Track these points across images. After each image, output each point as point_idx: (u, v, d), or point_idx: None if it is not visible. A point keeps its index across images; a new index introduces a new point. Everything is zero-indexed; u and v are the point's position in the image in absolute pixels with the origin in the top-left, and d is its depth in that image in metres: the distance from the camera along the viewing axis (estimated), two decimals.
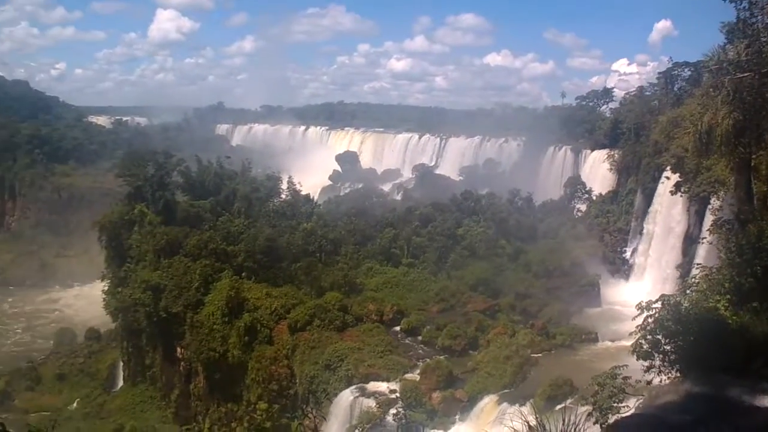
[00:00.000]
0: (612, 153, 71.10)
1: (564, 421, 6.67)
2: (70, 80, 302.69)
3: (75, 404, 60.60)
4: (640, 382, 13.37)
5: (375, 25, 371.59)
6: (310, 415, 37.36)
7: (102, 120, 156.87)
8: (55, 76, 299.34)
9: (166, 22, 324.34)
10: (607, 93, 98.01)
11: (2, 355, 72.16)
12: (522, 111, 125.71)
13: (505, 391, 32.68)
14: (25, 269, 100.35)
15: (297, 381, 39.85)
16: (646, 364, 12.09)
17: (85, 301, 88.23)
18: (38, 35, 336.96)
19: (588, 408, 14.76)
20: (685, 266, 48.62)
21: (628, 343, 13.60)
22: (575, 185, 70.16)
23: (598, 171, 72.86)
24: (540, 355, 37.33)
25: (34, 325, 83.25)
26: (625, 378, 15.18)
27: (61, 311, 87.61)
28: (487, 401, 32.29)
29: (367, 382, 34.90)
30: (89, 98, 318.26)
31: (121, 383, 60.29)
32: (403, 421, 31.81)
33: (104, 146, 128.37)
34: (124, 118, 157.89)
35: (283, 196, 65.25)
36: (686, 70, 67.40)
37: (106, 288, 59.30)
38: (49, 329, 79.53)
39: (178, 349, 50.70)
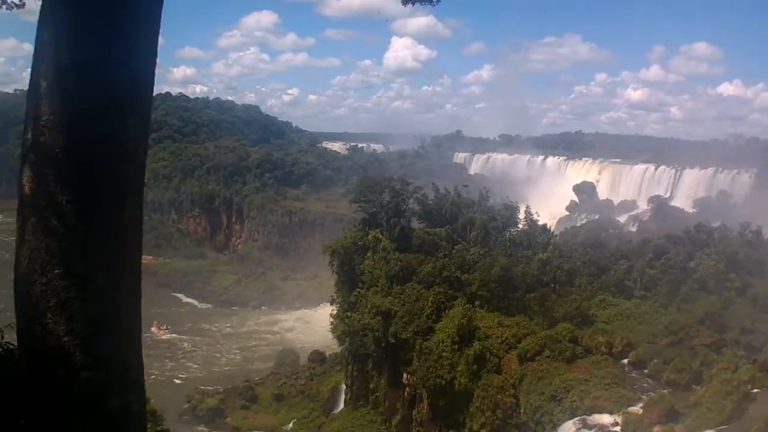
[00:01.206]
0: None
1: None
2: (304, 106, 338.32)
3: (291, 424, 69.89)
4: None
5: (611, 55, 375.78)
6: None
7: (337, 146, 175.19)
8: (288, 101, 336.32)
9: (402, 50, 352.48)
10: None
11: (217, 374, 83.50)
12: (754, 142, 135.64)
13: (722, 427, 35.47)
14: (250, 290, 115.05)
15: (521, 411, 44.82)
16: None
17: (306, 323, 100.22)
18: (268, 61, 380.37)
19: None
20: None
21: None
22: None
23: None
24: (760, 390, 38.92)
25: (250, 345, 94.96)
26: None
27: (280, 333, 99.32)
28: None
29: (591, 414, 39.27)
30: (323, 124, 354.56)
31: (341, 406, 68.51)
32: None
33: (339, 172, 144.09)
34: (360, 145, 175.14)
35: (520, 225, 71.22)
36: None
37: (334, 312, 66.89)
38: (264, 350, 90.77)
39: (405, 375, 57.52)
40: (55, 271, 4.67)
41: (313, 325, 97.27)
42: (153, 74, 5.22)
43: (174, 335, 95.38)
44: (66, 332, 4.73)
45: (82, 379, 4.79)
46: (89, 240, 4.73)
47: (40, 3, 4.92)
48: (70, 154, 4.68)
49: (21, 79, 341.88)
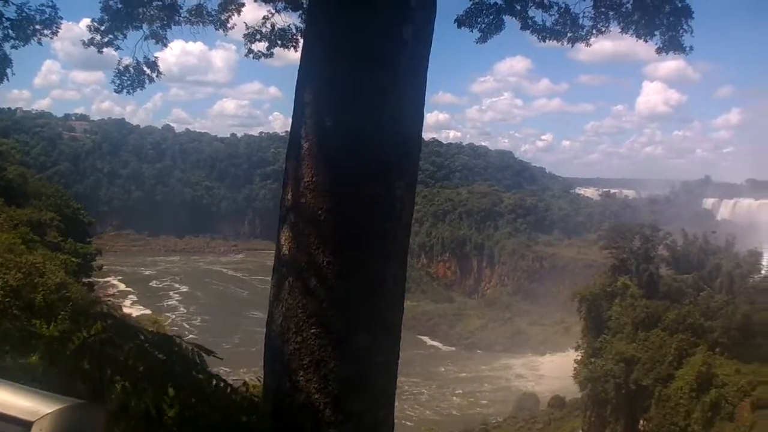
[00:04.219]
0: None
1: None
2: (557, 151, 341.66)
3: None
4: None
5: None
6: None
7: (589, 192, 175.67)
8: (541, 147, 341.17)
9: (654, 95, 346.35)
10: None
11: (447, 417, 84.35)
12: None
13: None
14: (495, 335, 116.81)
15: None
16: None
17: (534, 369, 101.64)
18: (522, 106, 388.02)
19: None
20: None
21: None
22: None
23: None
24: None
25: (480, 389, 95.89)
26: None
27: (510, 378, 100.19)
28: None
29: None
30: (576, 169, 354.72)
31: None
32: None
33: (590, 218, 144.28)
34: (612, 190, 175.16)
35: (763, 271, 69.28)
36: None
37: (578, 358, 68.53)
38: (495, 395, 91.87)
39: (641, 422, 58.63)
40: (312, 331, 4.77)
41: (544, 371, 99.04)
42: (420, 134, 5.32)
43: (402, 378, 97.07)
44: (318, 390, 4.85)
45: None
46: (349, 301, 4.81)
47: (299, 55, 5.26)
48: (332, 216, 4.77)
49: (266, 122, 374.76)
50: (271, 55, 14.88)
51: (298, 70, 5.19)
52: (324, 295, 4.80)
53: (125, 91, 14.25)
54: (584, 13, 12.38)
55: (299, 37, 13.90)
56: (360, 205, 4.85)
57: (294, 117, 5.12)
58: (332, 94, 4.89)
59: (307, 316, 4.81)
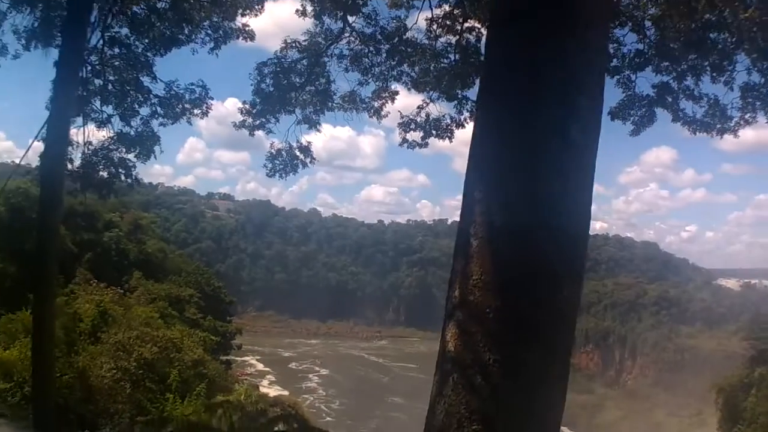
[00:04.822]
0: None
1: None
2: (700, 242, 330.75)
3: None
4: None
5: None
6: None
7: (731, 283, 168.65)
8: (685, 238, 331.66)
9: None
10: None
11: None
12: None
13: None
14: (634, 426, 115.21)
15: None
16: None
17: None
18: (667, 197, 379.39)
19: None
20: None
21: None
22: None
23: None
24: None
25: None
26: None
27: None
28: None
29: None
30: (718, 260, 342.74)
31: None
32: None
33: (732, 309, 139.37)
34: (753, 281, 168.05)
35: None
36: None
37: None
38: None
39: None
40: (474, 427, 4.79)
41: None
42: (587, 233, 5.35)
43: None
44: None
45: None
46: (513, 399, 4.81)
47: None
48: (500, 315, 4.79)
49: (413, 210, 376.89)
50: (426, 145, 15.39)
51: (467, 168, 5.27)
52: (488, 392, 4.80)
53: (278, 175, 15.07)
54: (732, 104, 13.14)
55: (454, 128, 14.95)
56: (527, 304, 4.83)
57: (462, 214, 5.16)
58: (502, 196, 4.93)
59: (469, 413, 4.80)
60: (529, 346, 4.85)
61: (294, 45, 14.43)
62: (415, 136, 15.22)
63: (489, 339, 4.78)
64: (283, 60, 14.58)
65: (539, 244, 4.82)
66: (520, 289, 4.79)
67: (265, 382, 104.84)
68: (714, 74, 12.81)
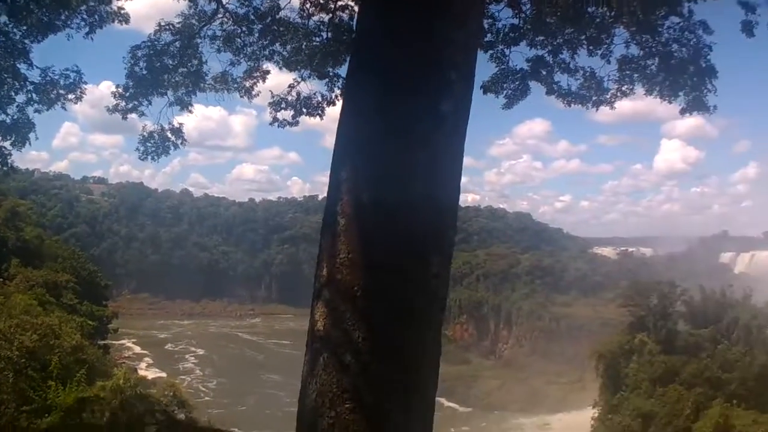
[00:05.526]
0: None
1: None
2: (575, 212, 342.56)
3: None
4: None
5: None
6: None
7: (607, 251, 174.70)
8: (560, 208, 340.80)
9: (672, 153, 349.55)
10: None
11: None
12: None
13: None
14: (512, 395, 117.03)
15: None
16: None
17: (560, 427, 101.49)
18: (541, 168, 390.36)
19: None
20: None
21: None
22: None
23: None
24: None
25: None
26: None
27: None
28: None
29: None
30: (594, 229, 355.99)
31: None
32: None
33: (608, 277, 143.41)
34: (629, 249, 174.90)
35: None
36: None
37: (595, 415, 69.70)
38: None
39: None
40: (346, 406, 4.76)
41: (557, 429, 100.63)
42: (456, 208, 5.36)
43: None
44: None
45: None
46: (384, 376, 4.80)
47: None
48: (368, 292, 4.78)
49: (284, 187, 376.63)
50: (297, 123, 15.44)
51: (334, 146, 5.26)
52: (358, 370, 4.81)
53: (150, 157, 14.88)
54: (609, 76, 13.04)
55: (325, 106, 14.98)
56: (396, 281, 4.85)
57: (329, 193, 5.19)
58: (370, 171, 4.94)
59: (341, 392, 4.81)
60: (398, 322, 4.88)
61: (168, 27, 14.06)
62: (286, 114, 15.19)
63: (358, 317, 4.80)
64: (156, 42, 14.25)
65: (407, 221, 4.87)
66: (388, 267, 4.83)
67: (143, 365, 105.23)
68: (591, 48, 12.75)
